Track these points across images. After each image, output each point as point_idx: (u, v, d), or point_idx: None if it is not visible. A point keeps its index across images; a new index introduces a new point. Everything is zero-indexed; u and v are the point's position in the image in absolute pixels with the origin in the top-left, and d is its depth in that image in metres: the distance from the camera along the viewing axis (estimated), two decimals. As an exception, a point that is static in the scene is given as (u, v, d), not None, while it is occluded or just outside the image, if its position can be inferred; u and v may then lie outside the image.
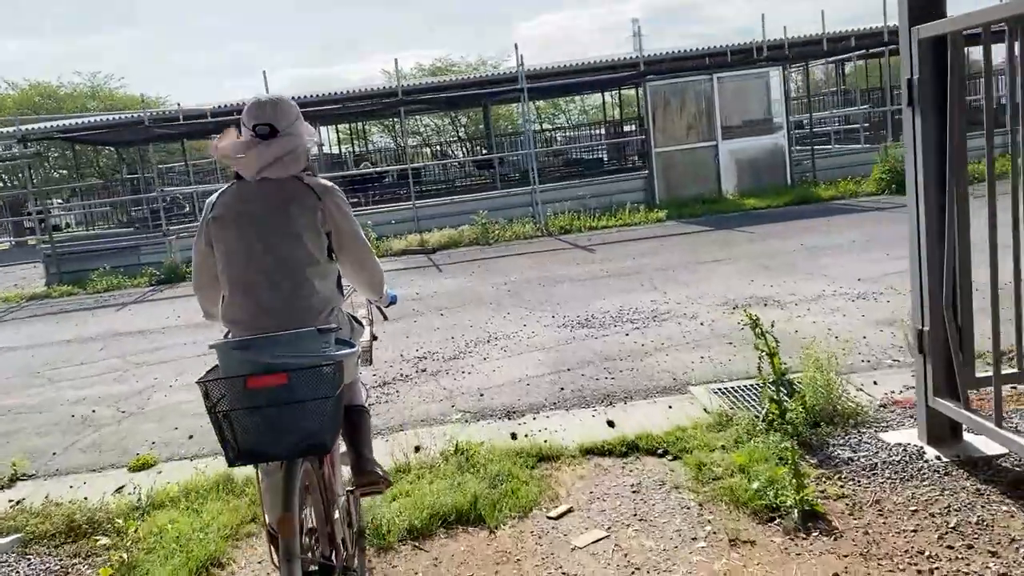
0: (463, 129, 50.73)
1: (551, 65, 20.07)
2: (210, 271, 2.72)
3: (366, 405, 3.02)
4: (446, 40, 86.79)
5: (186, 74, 78.94)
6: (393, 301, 3.31)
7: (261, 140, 2.64)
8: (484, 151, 33.09)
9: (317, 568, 2.52)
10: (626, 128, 37.15)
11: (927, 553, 2.95)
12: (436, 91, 18.53)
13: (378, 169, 24.90)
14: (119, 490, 4.55)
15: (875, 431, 4.10)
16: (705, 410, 4.69)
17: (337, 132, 35.85)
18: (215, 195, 2.72)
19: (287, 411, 2.30)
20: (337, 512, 2.74)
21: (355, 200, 24.96)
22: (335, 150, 35.28)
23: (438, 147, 46.09)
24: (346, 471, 2.95)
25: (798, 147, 16.80)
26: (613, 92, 37.52)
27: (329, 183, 2.78)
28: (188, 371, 7.32)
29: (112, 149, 28.59)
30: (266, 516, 2.64)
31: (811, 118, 17.78)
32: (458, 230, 14.68)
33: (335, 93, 17.82)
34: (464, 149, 43.78)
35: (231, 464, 2.39)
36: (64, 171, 37.03)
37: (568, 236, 13.93)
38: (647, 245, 11.91)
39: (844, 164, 16.11)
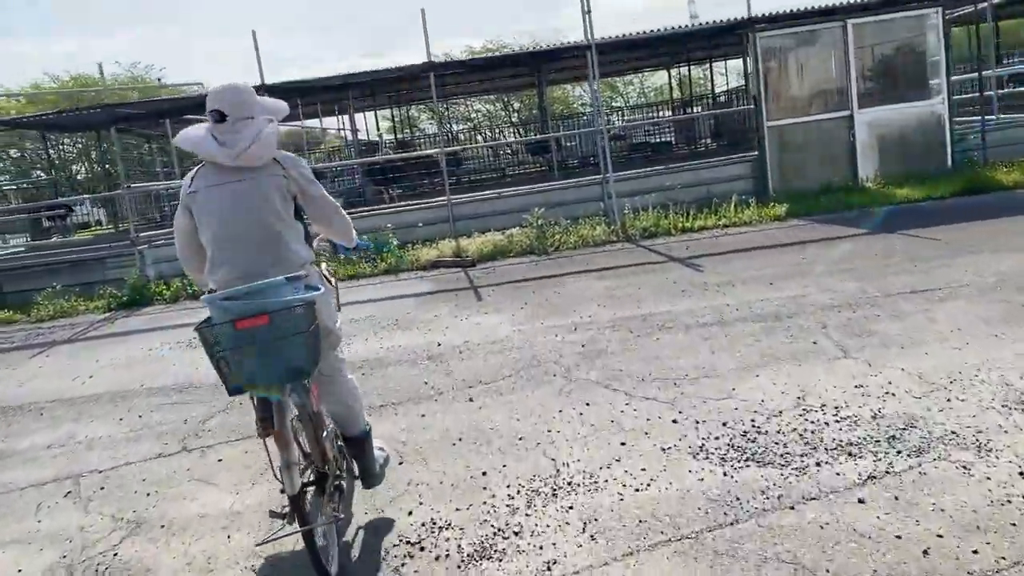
0: (516, 114, 47.21)
1: (621, 34, 16.28)
2: (193, 241, 3.23)
3: (367, 428, 3.53)
4: (495, 31, 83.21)
5: (226, 65, 76.95)
6: (366, 248, 3.79)
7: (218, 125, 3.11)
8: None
9: (314, 477, 3.11)
10: (695, 108, 33.19)
11: None
12: (475, 67, 14.88)
13: (390, 156, 21.52)
14: None
15: None
16: None
17: (376, 118, 32.55)
18: (191, 172, 3.19)
19: (271, 346, 2.76)
20: (326, 433, 3.19)
21: (373, 195, 21.83)
22: (376, 136, 32.04)
23: (488, 133, 42.65)
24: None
25: (959, 117, 12.76)
26: (681, 67, 33.57)
27: (292, 155, 3.29)
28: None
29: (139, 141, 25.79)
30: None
31: (980, 78, 13.58)
32: (506, 234, 11.11)
33: (362, 71, 14.30)
34: (517, 135, 40.21)
35: (231, 393, 2.91)
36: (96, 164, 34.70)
37: (655, 243, 10.24)
38: (779, 259, 8.17)
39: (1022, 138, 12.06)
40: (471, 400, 4.95)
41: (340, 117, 28.87)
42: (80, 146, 34.94)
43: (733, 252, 8.89)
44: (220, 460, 4.53)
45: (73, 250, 12.81)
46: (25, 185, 33.72)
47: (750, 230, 10.24)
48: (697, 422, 4.14)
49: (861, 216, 10.08)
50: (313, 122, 26.59)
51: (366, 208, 14.47)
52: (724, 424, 4.07)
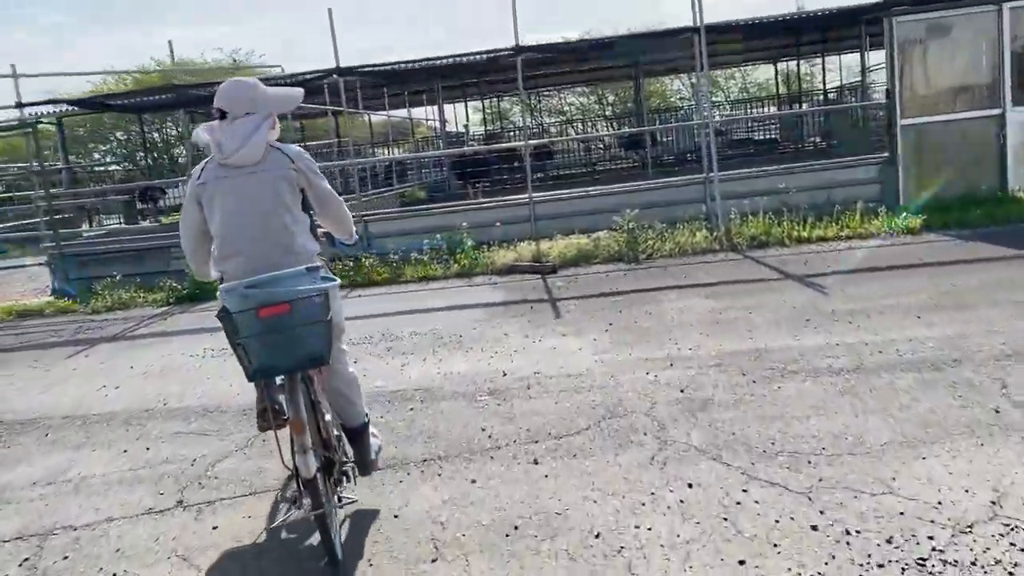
0: (610, 107, 45.76)
1: (733, 20, 14.80)
2: (200, 233, 3.25)
3: (366, 419, 3.57)
4: (593, 24, 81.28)
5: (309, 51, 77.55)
6: (354, 244, 3.74)
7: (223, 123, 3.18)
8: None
9: (322, 464, 3.12)
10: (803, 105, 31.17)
11: None
12: (567, 51, 13.68)
13: (471, 148, 20.52)
14: None
15: None
16: None
17: (466, 109, 31.74)
18: (201, 164, 3.24)
19: (291, 333, 2.85)
20: (328, 417, 3.31)
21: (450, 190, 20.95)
22: (462, 128, 31.25)
23: (580, 126, 41.40)
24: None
25: None
26: (789, 61, 31.58)
27: (299, 148, 3.33)
28: None
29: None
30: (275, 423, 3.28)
31: None
32: (592, 238, 9.96)
33: (444, 55, 13.34)
34: (611, 129, 38.84)
35: (250, 379, 3.02)
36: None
37: (766, 254, 8.91)
38: (922, 282, 6.76)
39: None
40: (535, 463, 3.86)
41: (428, 108, 28.19)
42: (180, 129, 35.47)
43: (862, 271, 7.50)
44: (215, 528, 3.58)
45: (139, 237, 12.32)
46: (129, 167, 34.44)
47: (879, 244, 8.79)
48: (848, 532, 2.93)
49: (1016, 233, 8.50)
50: (400, 112, 25.97)
51: (440, 204, 13.56)
52: (889, 541, 2.85)
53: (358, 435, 3.52)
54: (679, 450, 3.82)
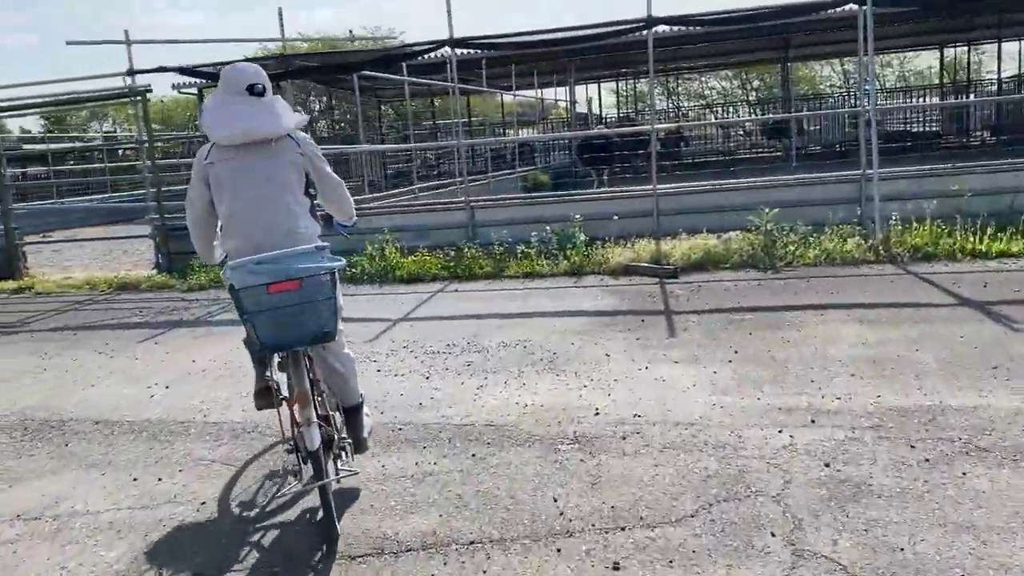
0: (754, 93, 43.24)
1: None
2: (206, 212, 3.35)
3: (361, 399, 3.62)
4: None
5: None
6: (352, 225, 3.82)
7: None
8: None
9: (323, 436, 3.18)
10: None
11: None
12: (706, 24, 12.19)
13: (594, 132, 19.16)
14: None
15: None
16: None
17: (600, 91, 30.48)
18: (208, 144, 3.29)
19: (300, 309, 2.93)
20: (325, 393, 3.45)
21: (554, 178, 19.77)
22: (591, 110, 30.04)
23: (720, 112, 39.29)
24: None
25: None
26: (959, 47, 28.66)
27: (305, 135, 3.43)
28: None
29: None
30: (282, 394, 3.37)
31: None
32: (722, 239, 8.69)
33: (565, 27, 12.23)
34: (753, 115, 36.56)
35: (259, 352, 3.29)
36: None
37: (932, 269, 7.41)
38: None
39: None
40: (616, 568, 2.82)
41: (558, 89, 27.16)
42: (323, 103, 35.97)
43: (1066, 302, 5.98)
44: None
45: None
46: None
47: (1083, 265, 7.13)
48: None
49: None
50: (528, 93, 25.04)
51: (551, 194, 12.54)
52: None
53: (353, 414, 3.59)
54: (820, 571, 2.69)
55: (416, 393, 4.94)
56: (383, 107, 31.22)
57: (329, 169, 3.50)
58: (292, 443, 3.32)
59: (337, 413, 3.59)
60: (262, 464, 4.03)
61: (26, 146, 28.63)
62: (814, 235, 8.46)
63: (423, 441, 4.13)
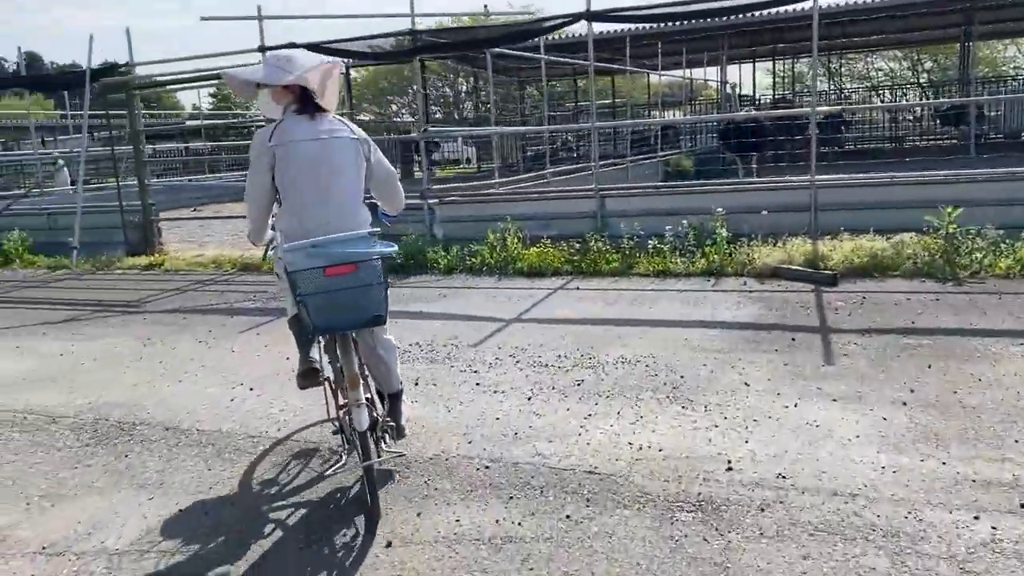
0: (926, 75, 39.60)
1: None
2: (267, 194, 3.37)
3: (401, 387, 3.68)
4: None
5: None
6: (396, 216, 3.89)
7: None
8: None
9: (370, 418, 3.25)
10: None
11: None
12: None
13: (741, 114, 17.56)
14: None
15: None
16: None
17: (753, 72, 28.61)
18: (271, 126, 3.31)
19: (354, 293, 2.99)
20: (367, 377, 3.51)
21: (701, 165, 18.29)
22: (743, 92, 28.25)
23: (888, 95, 36.25)
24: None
25: None
26: None
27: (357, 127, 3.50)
28: None
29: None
30: (329, 376, 3.52)
31: None
32: (892, 241, 7.45)
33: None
34: (925, 98, 33.40)
35: (312, 335, 3.37)
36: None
37: None
38: None
39: None
40: None
41: (708, 69, 25.67)
42: (469, 84, 36.00)
43: None
44: None
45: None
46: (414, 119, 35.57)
47: None
48: None
49: None
50: (675, 73, 23.73)
51: (689, 183, 11.47)
52: None
53: (394, 401, 3.63)
54: None
55: (513, 418, 4.23)
56: (527, 88, 30.66)
57: (383, 157, 3.57)
58: (337, 424, 3.59)
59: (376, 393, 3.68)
60: (328, 511, 3.44)
61: (187, 123, 30.04)
62: (1008, 241, 7.09)
63: (511, 488, 3.41)
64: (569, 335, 5.83)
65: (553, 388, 4.68)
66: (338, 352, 3.22)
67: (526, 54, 13.95)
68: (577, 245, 8.62)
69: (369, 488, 3.13)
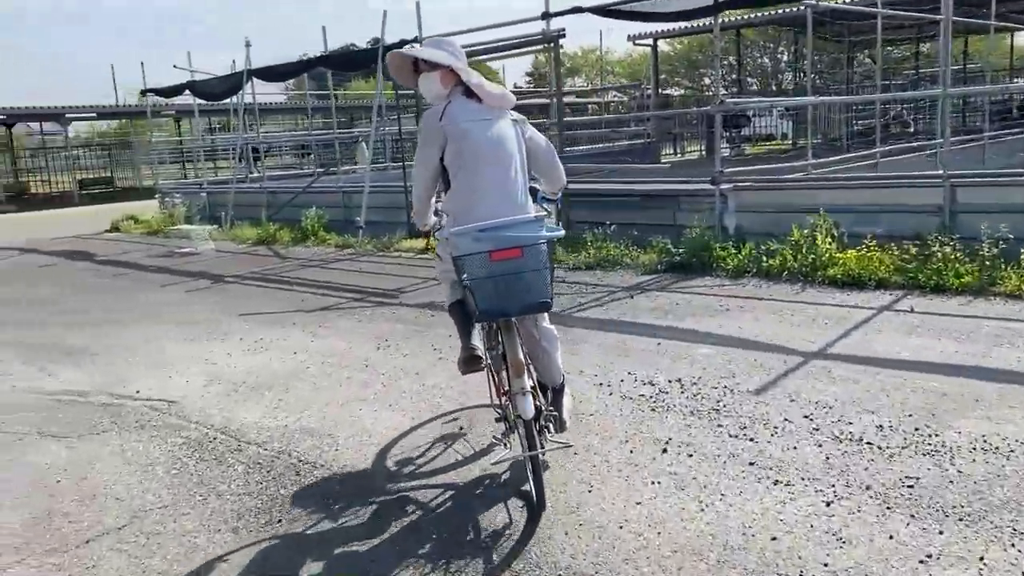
0: None
1: None
2: (436, 175, 3.31)
3: (564, 378, 3.55)
4: None
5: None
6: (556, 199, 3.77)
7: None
8: None
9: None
10: None
11: None
12: None
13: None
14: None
15: None
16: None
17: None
18: (439, 107, 3.25)
19: (520, 278, 2.96)
20: (530, 365, 3.30)
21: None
22: None
23: None
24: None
25: None
26: None
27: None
28: None
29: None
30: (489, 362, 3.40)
31: None
32: None
33: None
34: None
35: (478, 320, 3.16)
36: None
37: None
38: None
39: None
40: None
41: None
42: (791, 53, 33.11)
43: None
44: None
45: (648, 180, 10.25)
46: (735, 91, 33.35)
47: None
48: None
49: None
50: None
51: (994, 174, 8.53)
52: None
53: (556, 395, 3.51)
54: None
55: (800, 541, 2.76)
56: (857, 55, 27.12)
57: (545, 138, 3.55)
58: (500, 412, 3.46)
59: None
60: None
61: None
62: None
63: None
64: (897, 389, 4.11)
65: (867, 488, 3.10)
66: (502, 339, 3.18)
67: (856, 8, 11.60)
68: (913, 249, 6.60)
69: (534, 478, 3.08)
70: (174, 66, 15.45)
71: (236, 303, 7.81)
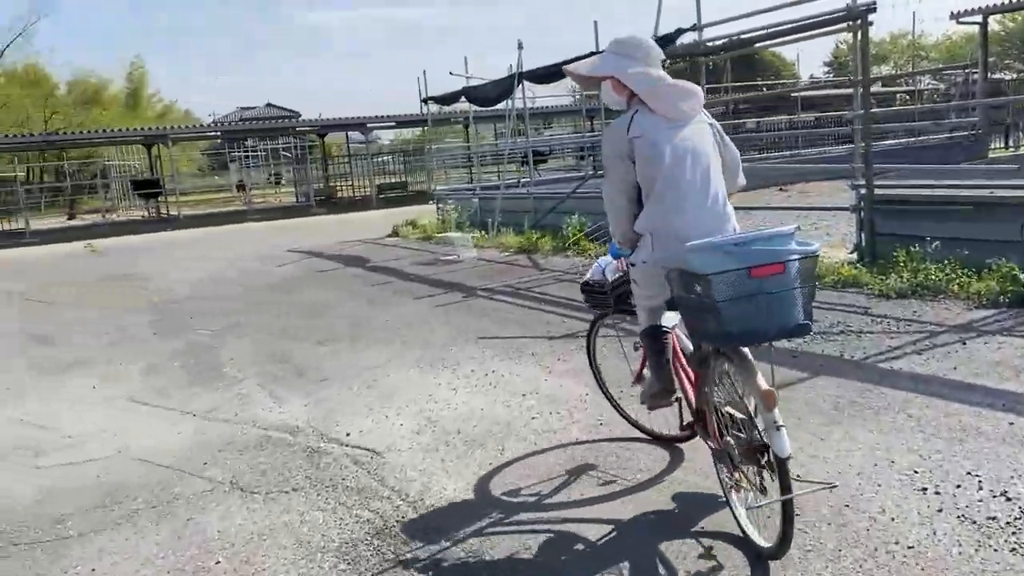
0: None
1: None
2: (631, 190, 3.10)
3: None
4: None
5: None
6: None
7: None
8: None
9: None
10: None
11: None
12: None
13: None
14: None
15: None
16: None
17: None
18: (625, 119, 3.06)
19: (780, 297, 2.63)
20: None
21: None
22: None
23: None
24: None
25: None
26: None
27: None
28: None
29: None
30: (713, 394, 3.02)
31: None
32: None
33: None
34: None
35: (723, 343, 2.78)
36: None
37: None
38: None
39: None
40: None
41: None
42: None
43: None
44: None
45: (982, 183, 8.01)
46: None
47: None
48: None
49: None
50: None
51: None
52: None
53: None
54: None
55: None
56: None
57: (734, 147, 3.30)
58: (721, 453, 3.00)
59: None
60: None
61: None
62: None
63: None
64: None
65: None
66: (729, 368, 2.86)
67: None
68: None
69: (785, 525, 2.65)
70: (449, 73, 15.56)
71: (478, 323, 7.17)
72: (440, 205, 16.71)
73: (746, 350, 2.80)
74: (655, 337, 3.29)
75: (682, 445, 3.84)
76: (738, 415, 2.85)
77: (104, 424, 5.16)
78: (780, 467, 2.62)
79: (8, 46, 48.94)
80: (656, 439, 3.94)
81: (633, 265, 3.22)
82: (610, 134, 3.12)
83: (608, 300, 3.79)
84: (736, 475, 2.89)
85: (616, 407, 4.24)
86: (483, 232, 13.60)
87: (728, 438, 2.89)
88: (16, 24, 71.83)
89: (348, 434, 4.58)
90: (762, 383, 2.69)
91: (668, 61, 10.31)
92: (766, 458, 2.68)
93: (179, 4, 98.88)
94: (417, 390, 5.29)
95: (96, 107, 52.89)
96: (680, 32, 10.19)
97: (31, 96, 48.94)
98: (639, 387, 3.66)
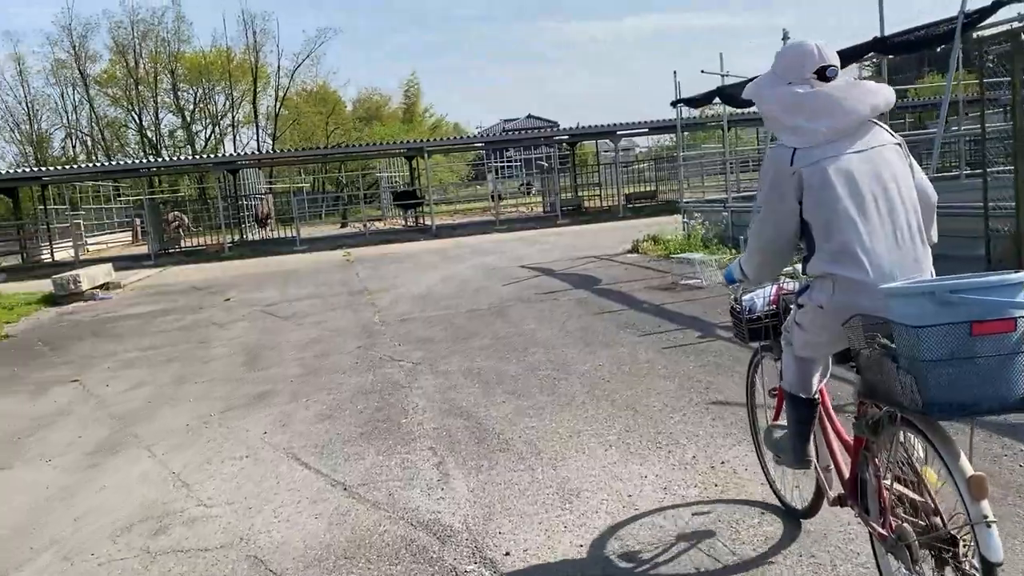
0: None
1: None
2: (793, 227, 2.62)
3: None
4: None
5: None
6: None
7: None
8: None
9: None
10: None
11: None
12: None
13: None
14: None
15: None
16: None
17: None
18: (786, 150, 2.58)
19: (1005, 361, 2.09)
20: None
21: None
22: None
23: None
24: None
25: None
26: None
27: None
28: None
29: None
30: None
31: None
32: None
33: None
34: None
35: (928, 411, 2.13)
36: None
37: None
38: None
39: None
40: None
41: None
42: None
43: None
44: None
45: None
46: None
47: None
48: None
49: None
50: None
51: None
52: None
53: None
54: None
55: None
56: None
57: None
58: (894, 542, 2.36)
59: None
60: None
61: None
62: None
63: None
64: None
65: None
66: (919, 442, 2.34)
67: None
68: None
69: None
70: (701, 71, 13.97)
71: (714, 378, 5.67)
72: (686, 219, 15.12)
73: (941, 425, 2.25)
74: (802, 406, 2.83)
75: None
76: (914, 496, 2.35)
77: (248, 490, 4.40)
78: (986, 570, 2.07)
79: (298, 67, 54.24)
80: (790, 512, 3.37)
81: (801, 306, 2.70)
82: (770, 162, 2.65)
83: (745, 330, 3.30)
84: (917, 568, 2.30)
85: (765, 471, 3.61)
86: (734, 251, 11.86)
87: (906, 525, 2.34)
88: (306, 47, 79.91)
89: (508, 553, 3.36)
90: (967, 466, 2.16)
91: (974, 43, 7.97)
92: (962, 559, 2.15)
93: (453, 23, 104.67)
94: (612, 484, 3.95)
95: (376, 122, 57.07)
96: (998, 5, 7.86)
97: (319, 113, 53.89)
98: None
